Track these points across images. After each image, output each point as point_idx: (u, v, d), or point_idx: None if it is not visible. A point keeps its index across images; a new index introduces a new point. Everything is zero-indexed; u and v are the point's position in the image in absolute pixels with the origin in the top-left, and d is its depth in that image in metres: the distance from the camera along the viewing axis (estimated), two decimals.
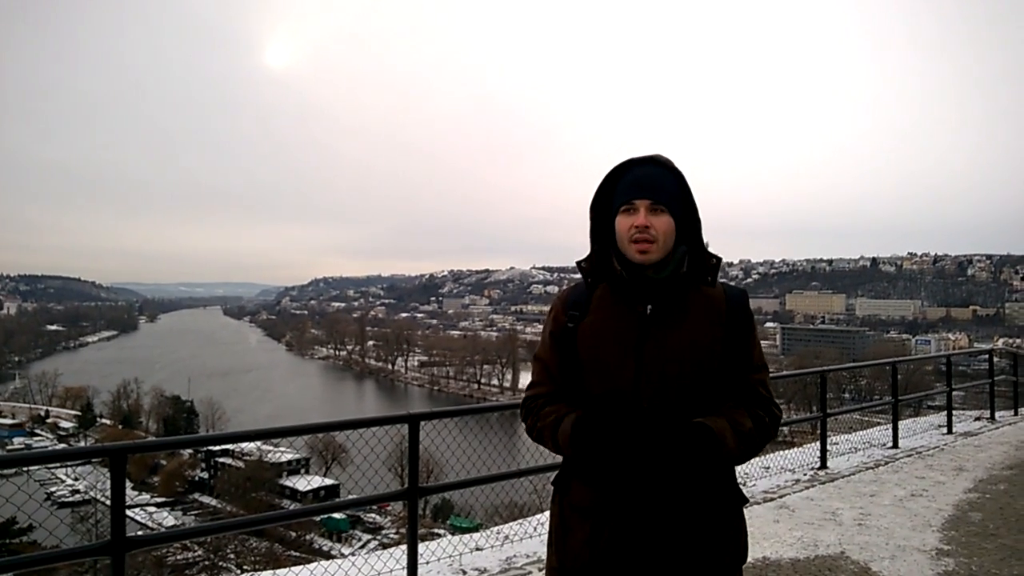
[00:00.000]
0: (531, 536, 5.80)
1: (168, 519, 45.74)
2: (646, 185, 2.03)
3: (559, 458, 2.20)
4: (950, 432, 10.63)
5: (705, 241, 2.14)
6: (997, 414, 12.02)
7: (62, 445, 62.46)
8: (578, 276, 2.20)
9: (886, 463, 8.61)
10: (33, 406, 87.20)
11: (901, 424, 10.04)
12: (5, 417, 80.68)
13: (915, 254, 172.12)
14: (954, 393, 11.33)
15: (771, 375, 2.18)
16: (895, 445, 9.52)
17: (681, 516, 1.95)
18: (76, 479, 48.07)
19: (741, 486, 2.14)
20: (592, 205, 2.17)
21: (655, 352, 1.99)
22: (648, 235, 2.00)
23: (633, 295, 2.06)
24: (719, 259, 2.11)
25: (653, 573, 1.95)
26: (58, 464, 43.88)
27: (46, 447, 56.33)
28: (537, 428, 2.11)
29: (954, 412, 11.25)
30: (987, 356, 13.35)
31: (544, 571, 2.21)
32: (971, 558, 5.30)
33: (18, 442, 66.68)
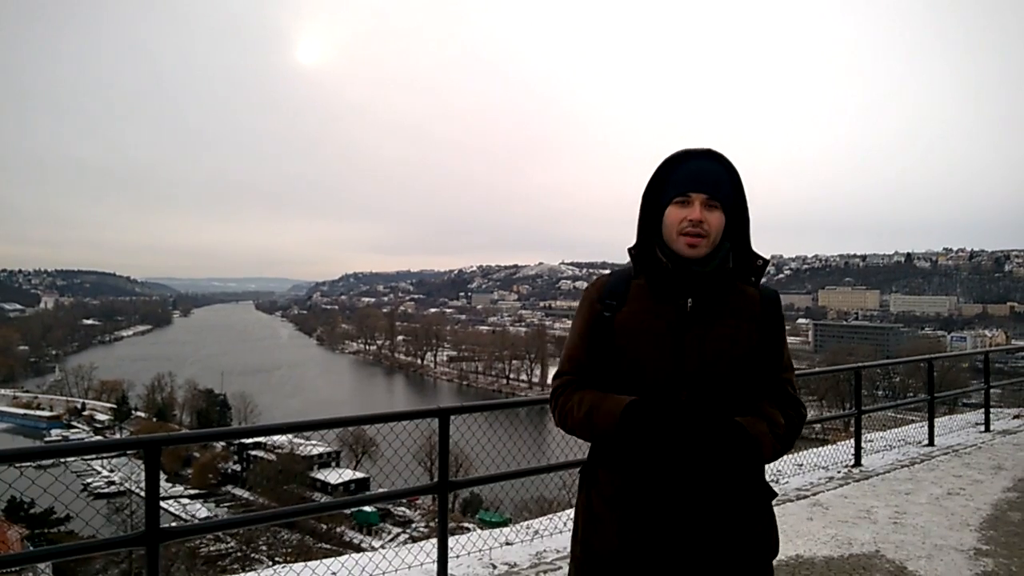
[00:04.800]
0: (561, 531, 5.79)
1: (201, 511, 46.49)
2: (703, 179, 2.02)
3: (588, 453, 2.19)
4: (988, 430, 10.42)
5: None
6: None
7: (98, 437, 63.75)
8: (606, 270, 2.18)
9: (922, 461, 8.47)
10: (70, 399, 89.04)
11: (937, 422, 9.86)
12: (43, 409, 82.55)
13: (951, 249, 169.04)
14: (992, 391, 11.13)
15: (804, 372, 2.18)
16: (931, 443, 9.37)
17: (713, 510, 1.95)
18: (112, 471, 48.94)
19: (773, 483, 2.13)
20: (644, 195, 2.15)
21: (695, 346, 1.99)
22: (701, 229, 1.99)
23: (675, 288, 2.04)
24: (766, 261, 2.11)
25: (683, 565, 1.95)
26: (94, 456, 44.46)
27: (82, 439, 57.43)
28: (570, 412, 2.08)
29: (992, 410, 11.02)
30: None
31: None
32: (1011, 559, 5.20)
33: (56, 434, 68.46)
